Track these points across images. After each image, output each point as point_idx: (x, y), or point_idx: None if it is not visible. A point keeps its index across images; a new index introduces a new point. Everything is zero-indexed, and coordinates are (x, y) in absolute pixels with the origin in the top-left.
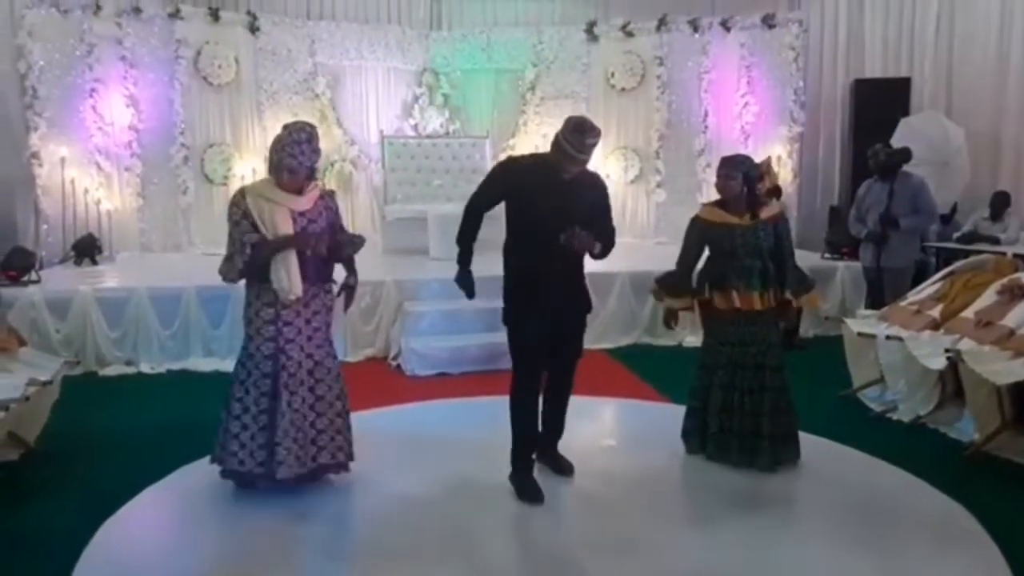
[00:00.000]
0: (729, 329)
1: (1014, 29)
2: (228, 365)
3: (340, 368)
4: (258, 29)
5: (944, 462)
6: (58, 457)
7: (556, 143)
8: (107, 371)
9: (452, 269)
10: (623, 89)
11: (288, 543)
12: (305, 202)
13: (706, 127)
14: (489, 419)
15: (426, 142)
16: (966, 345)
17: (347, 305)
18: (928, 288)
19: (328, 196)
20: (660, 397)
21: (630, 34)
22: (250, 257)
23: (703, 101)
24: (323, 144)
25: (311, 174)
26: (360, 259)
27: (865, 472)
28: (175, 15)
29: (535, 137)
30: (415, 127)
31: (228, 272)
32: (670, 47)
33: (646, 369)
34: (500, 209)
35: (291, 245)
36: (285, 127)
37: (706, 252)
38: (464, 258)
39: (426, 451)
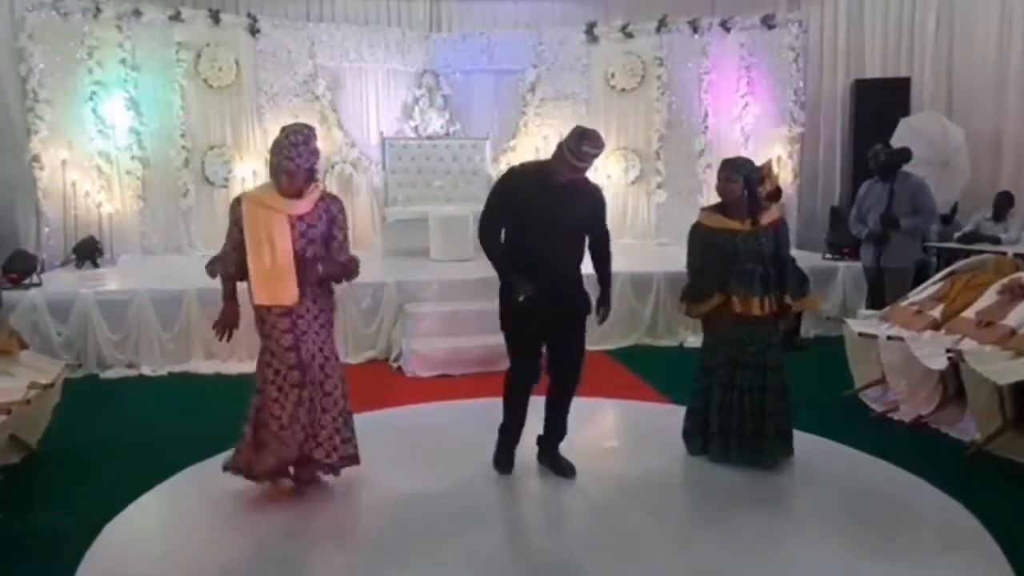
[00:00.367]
0: (729, 329)
1: (1014, 29)
2: (230, 367)
3: (343, 371)
4: (258, 31)
5: (945, 462)
6: (60, 460)
7: (558, 148)
8: (108, 374)
9: (452, 270)
10: (623, 90)
11: (289, 544)
12: (304, 205)
13: (706, 128)
14: (490, 420)
15: (426, 143)
16: (967, 345)
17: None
18: (929, 288)
19: (330, 199)
20: (661, 398)
21: (630, 35)
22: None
23: (703, 102)
24: (323, 146)
25: (311, 176)
26: (360, 260)
27: (866, 472)
28: (175, 18)
29: (535, 138)
30: (415, 129)
31: (212, 270)
32: (670, 48)
33: (647, 370)
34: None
35: (223, 311)
36: (282, 130)
37: None
38: (502, 265)
39: (426, 452)
